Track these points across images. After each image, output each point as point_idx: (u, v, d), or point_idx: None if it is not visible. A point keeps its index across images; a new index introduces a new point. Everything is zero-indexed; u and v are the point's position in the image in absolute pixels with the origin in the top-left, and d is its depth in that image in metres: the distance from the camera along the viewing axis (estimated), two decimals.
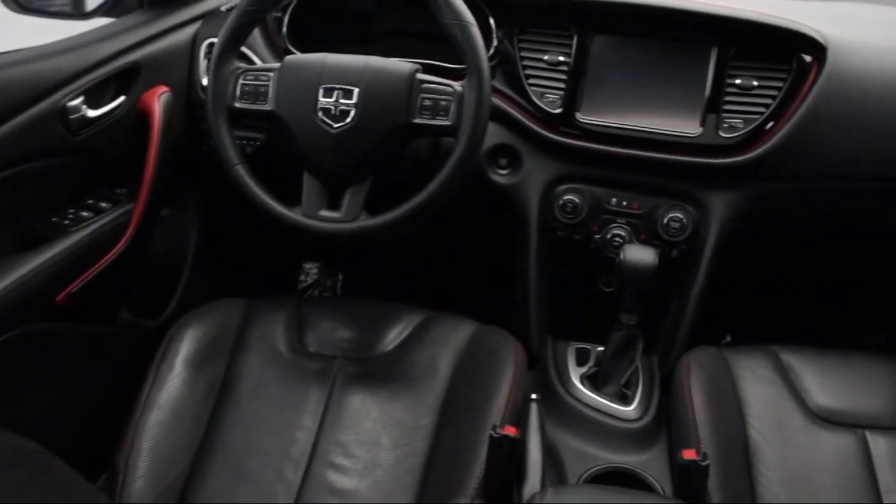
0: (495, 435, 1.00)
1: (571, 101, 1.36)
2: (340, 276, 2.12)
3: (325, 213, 1.20)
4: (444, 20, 1.16)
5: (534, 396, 1.20)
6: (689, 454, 1.01)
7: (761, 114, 1.31)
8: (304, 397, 1.19)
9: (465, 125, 1.15)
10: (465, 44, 1.15)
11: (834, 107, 1.31)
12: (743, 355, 1.29)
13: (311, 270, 2.16)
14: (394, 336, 1.30)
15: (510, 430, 1.02)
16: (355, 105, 1.17)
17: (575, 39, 1.36)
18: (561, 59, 1.37)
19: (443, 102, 1.17)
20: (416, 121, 1.17)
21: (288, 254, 2.06)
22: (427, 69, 1.22)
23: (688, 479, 1.01)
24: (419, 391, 1.20)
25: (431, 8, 1.16)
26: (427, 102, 1.17)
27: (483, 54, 1.15)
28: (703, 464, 1.01)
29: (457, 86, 1.17)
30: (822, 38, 1.30)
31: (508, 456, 1.02)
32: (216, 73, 1.22)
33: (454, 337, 1.27)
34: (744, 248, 1.47)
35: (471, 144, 1.15)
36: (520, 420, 1.16)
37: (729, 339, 1.85)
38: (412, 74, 1.18)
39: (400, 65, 1.19)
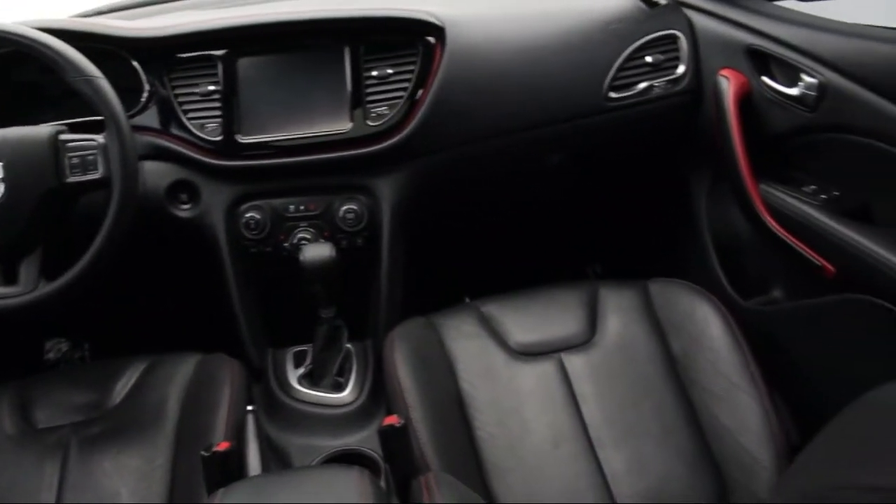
0: (205, 454, 1.04)
1: (229, 125, 1.40)
2: (87, 346, 2.08)
3: (1, 290, 1.20)
4: (70, 79, 1.19)
5: (249, 408, 1.25)
6: (389, 420, 1.08)
7: (402, 98, 1.42)
8: (38, 474, 1.18)
9: (115, 175, 1.18)
10: (95, 97, 1.18)
11: (462, 77, 1.44)
12: (448, 317, 1.38)
13: (58, 346, 2.10)
14: (120, 388, 1.31)
15: (223, 446, 1.06)
16: (3, 179, 1.17)
17: (220, 67, 1.40)
18: (211, 88, 1.40)
19: (90, 157, 1.19)
20: (69, 180, 1.19)
21: (27, 334, 2.00)
22: (90, 125, 1.24)
23: (388, 444, 1.08)
24: (150, 434, 1.22)
25: (57, 70, 1.19)
26: (75, 160, 1.19)
27: (115, 103, 1.19)
28: (399, 426, 1.07)
29: (99, 138, 1.19)
30: (438, 19, 1.42)
31: (223, 471, 1.06)
32: None
33: (178, 374, 1.30)
34: (435, 219, 1.59)
35: (125, 191, 1.18)
36: (241, 435, 1.21)
37: (468, 300, 1.97)
38: (54, 137, 1.19)
39: (40, 130, 1.21)
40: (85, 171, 1.19)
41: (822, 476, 0.86)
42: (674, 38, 1.52)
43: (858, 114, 1.18)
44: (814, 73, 1.24)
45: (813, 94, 1.25)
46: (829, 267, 1.22)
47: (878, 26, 1.18)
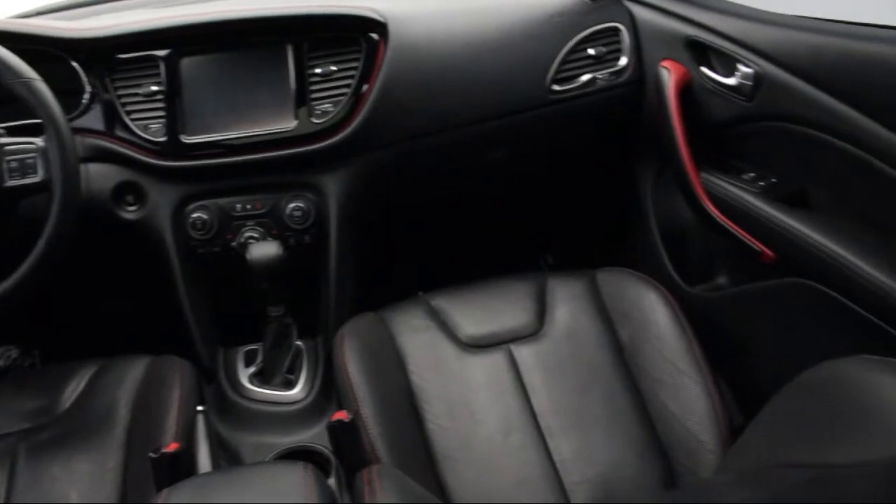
0: (154, 456, 1.04)
1: (174, 126, 1.39)
2: (37, 352, 2.05)
3: None
4: (7, 82, 1.17)
5: (199, 409, 1.25)
6: (338, 416, 1.08)
7: (346, 94, 1.42)
8: None
9: (56, 178, 1.16)
10: (32, 100, 1.17)
11: (405, 73, 1.44)
12: (397, 312, 1.39)
13: (7, 353, 2.07)
14: (69, 393, 1.29)
15: (172, 447, 1.06)
16: None
17: (162, 67, 1.39)
18: (154, 88, 1.39)
19: (29, 161, 1.17)
20: (8, 184, 1.17)
21: None
22: (29, 129, 1.22)
23: (337, 439, 1.08)
24: (100, 438, 1.21)
25: None
26: (14, 164, 1.17)
27: (53, 105, 1.17)
28: (348, 421, 1.08)
29: (38, 141, 1.18)
30: (381, 15, 1.42)
31: (173, 472, 1.05)
32: None
33: (128, 377, 1.29)
34: (384, 214, 1.59)
35: (66, 194, 1.17)
36: (191, 435, 1.21)
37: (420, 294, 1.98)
38: None
39: None
40: (24, 174, 1.18)
41: (760, 455, 0.89)
42: (616, 31, 1.55)
43: (793, 102, 1.20)
44: (749, 64, 1.27)
45: (749, 83, 1.27)
46: (769, 252, 1.25)
47: (810, 17, 1.21)
